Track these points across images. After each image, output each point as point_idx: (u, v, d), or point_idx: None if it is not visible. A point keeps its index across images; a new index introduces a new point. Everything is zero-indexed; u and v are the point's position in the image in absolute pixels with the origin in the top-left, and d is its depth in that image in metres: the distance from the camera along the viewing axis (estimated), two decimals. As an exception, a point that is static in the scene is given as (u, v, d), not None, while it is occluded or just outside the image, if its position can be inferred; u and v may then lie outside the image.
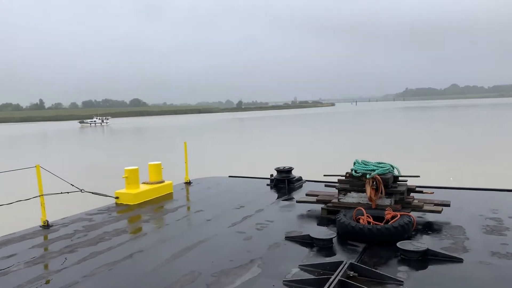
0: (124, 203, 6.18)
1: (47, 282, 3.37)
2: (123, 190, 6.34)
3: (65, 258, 3.90)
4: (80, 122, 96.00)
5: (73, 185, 5.79)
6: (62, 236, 4.64)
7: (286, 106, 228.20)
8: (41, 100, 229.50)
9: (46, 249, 4.23)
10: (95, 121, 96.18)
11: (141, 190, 6.38)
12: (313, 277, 3.14)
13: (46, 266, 3.73)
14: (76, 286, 3.25)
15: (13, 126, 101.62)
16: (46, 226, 5.04)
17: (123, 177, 6.39)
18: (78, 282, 3.33)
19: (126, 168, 6.44)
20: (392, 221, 4.04)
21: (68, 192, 5.81)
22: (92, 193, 6.15)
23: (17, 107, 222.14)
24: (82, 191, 5.94)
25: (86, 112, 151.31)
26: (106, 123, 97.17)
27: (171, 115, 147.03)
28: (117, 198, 6.28)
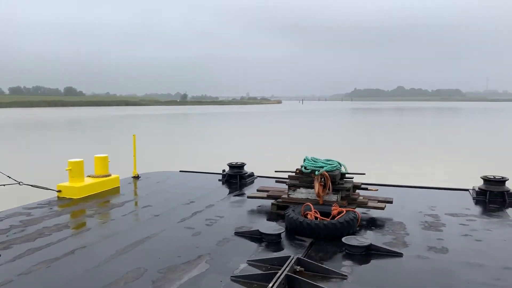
0: (67, 197, 5.90)
1: None
2: (66, 183, 6.04)
3: None
4: None
5: (10, 177, 5.44)
6: None
7: (228, 102, 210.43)
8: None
9: None
10: None
11: (86, 184, 6.11)
12: (260, 272, 3.16)
13: None
14: (10, 285, 3.05)
15: None
16: None
17: (66, 170, 6.08)
18: (13, 280, 3.12)
19: (70, 160, 6.14)
20: (338, 216, 4.17)
21: (4, 185, 5.45)
22: (32, 186, 5.80)
23: None
24: (21, 183, 5.59)
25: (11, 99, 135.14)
26: None
27: (98, 106, 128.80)
28: (59, 191, 5.97)
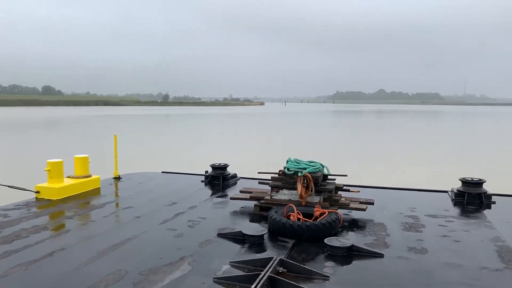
0: (46, 198, 5.77)
1: None
2: (45, 184, 5.91)
3: None
4: None
5: (-14, 178, 5.30)
6: None
7: (211, 103, 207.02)
8: None
9: None
10: None
11: (65, 185, 5.99)
12: (243, 273, 3.15)
13: None
14: None
15: None
16: None
17: (45, 170, 5.95)
18: None
19: (49, 160, 6.02)
20: (320, 218, 4.20)
21: (-20, 186, 5.30)
22: (9, 186, 5.66)
23: None
24: (-3, 184, 5.45)
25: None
26: None
27: (77, 106, 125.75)
28: (37, 192, 5.84)
